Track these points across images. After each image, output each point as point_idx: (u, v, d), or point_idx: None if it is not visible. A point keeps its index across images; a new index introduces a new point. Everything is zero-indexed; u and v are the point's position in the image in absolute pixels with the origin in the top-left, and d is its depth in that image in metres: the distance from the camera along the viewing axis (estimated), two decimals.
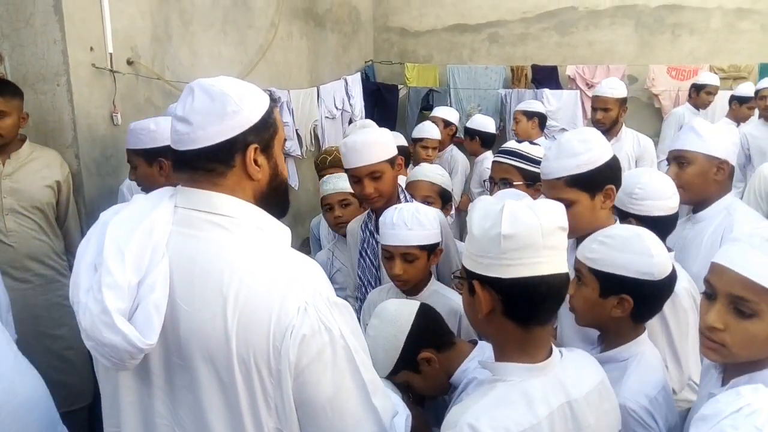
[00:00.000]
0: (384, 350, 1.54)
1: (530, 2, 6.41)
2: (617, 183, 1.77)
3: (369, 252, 2.26)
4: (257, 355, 1.04)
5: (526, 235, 1.10)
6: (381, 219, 1.98)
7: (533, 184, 2.32)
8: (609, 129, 3.71)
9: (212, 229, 1.10)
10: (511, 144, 2.45)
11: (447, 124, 4.63)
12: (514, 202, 1.16)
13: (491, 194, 2.45)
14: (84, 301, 1.01)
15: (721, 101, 5.27)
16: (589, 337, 1.72)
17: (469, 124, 4.57)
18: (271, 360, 1.04)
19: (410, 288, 1.97)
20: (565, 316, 1.83)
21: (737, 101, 4.88)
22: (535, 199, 2.37)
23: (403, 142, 3.76)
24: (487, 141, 4.46)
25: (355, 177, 2.15)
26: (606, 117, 3.71)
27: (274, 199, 1.22)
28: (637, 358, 1.45)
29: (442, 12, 6.71)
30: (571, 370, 1.21)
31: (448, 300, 1.92)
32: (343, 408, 1.09)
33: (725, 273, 1.16)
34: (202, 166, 1.13)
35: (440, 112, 4.81)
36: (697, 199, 2.12)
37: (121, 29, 3.29)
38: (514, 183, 2.32)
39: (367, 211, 2.33)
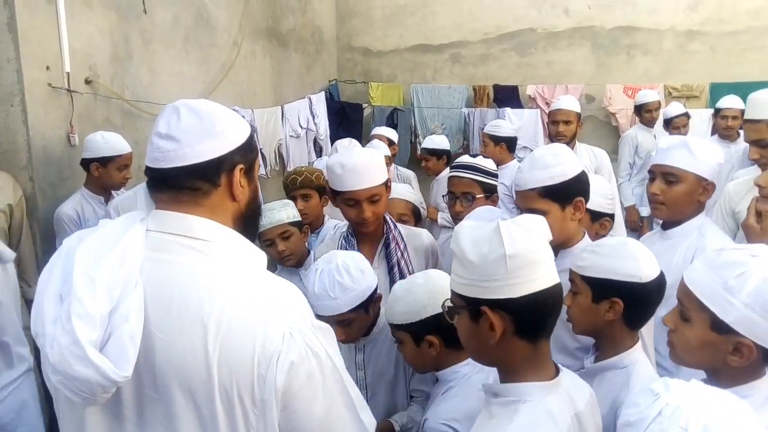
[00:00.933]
0: (406, 306, 1.60)
1: (491, 24, 6.54)
2: (586, 196, 1.83)
3: None
4: (240, 384, 1.00)
5: (527, 251, 1.13)
6: (304, 284, 1.84)
7: (491, 196, 2.44)
8: (568, 143, 3.78)
9: (187, 252, 1.07)
10: (466, 159, 2.52)
11: (391, 143, 4.66)
12: (504, 223, 1.17)
13: (452, 208, 2.47)
14: (51, 333, 0.94)
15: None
16: (570, 351, 1.75)
17: (431, 145, 4.57)
18: (255, 389, 1.00)
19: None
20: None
21: (665, 123, 5.07)
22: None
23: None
24: (450, 159, 4.53)
25: (352, 200, 2.01)
26: (568, 130, 3.81)
27: (251, 222, 1.21)
28: (637, 365, 1.49)
29: (405, 32, 6.79)
30: (571, 382, 1.25)
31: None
32: (334, 427, 1.09)
33: (682, 279, 1.27)
34: (187, 184, 1.09)
35: (384, 131, 4.83)
36: (676, 217, 2.07)
37: (79, 48, 3.22)
38: (477, 196, 2.39)
39: (341, 237, 2.17)
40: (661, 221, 2.18)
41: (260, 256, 1.16)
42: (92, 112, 3.37)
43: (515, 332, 1.15)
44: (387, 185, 2.08)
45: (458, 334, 1.25)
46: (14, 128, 2.92)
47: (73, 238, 1.09)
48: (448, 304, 1.25)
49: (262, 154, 5.20)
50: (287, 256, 2.54)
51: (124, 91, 3.61)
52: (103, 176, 3.16)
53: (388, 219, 2.15)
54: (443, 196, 2.67)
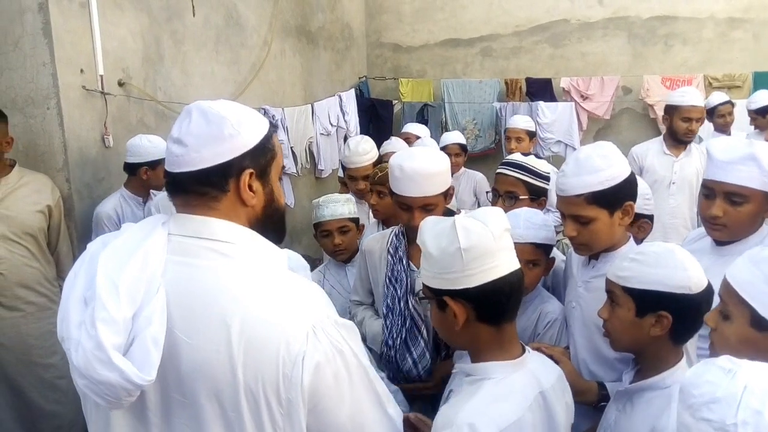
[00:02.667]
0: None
1: (522, 16, 6.43)
2: (635, 199, 1.70)
3: (396, 284, 2.01)
4: (266, 384, 1.00)
5: (482, 244, 1.22)
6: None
7: (537, 198, 2.28)
8: (689, 142, 3.59)
9: (212, 256, 1.06)
10: (516, 157, 2.37)
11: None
12: (460, 217, 1.28)
13: (493, 206, 2.39)
14: (76, 337, 0.96)
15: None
16: (608, 361, 1.65)
17: (461, 140, 4.46)
18: (281, 389, 1.00)
19: None
20: (580, 339, 1.76)
21: (708, 113, 4.80)
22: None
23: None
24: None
25: (405, 205, 1.94)
26: (697, 128, 3.58)
27: (270, 225, 1.18)
28: None
29: (435, 27, 6.73)
30: (538, 362, 1.34)
31: None
32: (364, 425, 1.10)
33: (724, 277, 1.22)
34: (195, 189, 1.09)
35: (414, 128, 4.67)
36: (737, 238, 1.80)
37: (111, 51, 3.26)
38: (520, 197, 2.24)
39: (393, 232, 2.11)
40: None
41: (280, 257, 1.14)
42: (126, 114, 3.42)
43: (477, 318, 1.26)
44: (448, 194, 1.99)
45: (432, 320, 1.37)
46: (51, 130, 2.98)
47: (97, 242, 1.09)
48: (420, 295, 1.34)
49: (293, 152, 5.22)
50: (341, 250, 2.57)
51: (157, 93, 3.65)
52: (152, 178, 3.16)
53: None
54: (487, 193, 2.59)
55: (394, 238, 2.09)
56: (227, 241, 1.08)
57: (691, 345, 1.57)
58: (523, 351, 1.32)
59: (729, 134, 4.59)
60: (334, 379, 1.03)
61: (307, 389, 1.00)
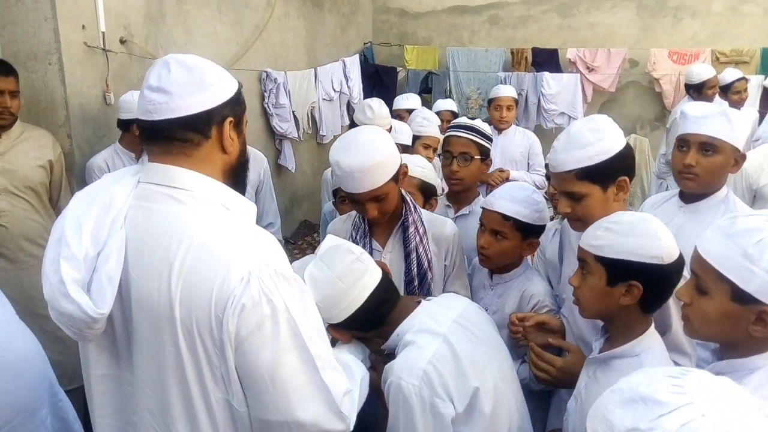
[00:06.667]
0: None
1: None
2: (631, 173, 1.67)
3: None
4: (200, 323, 1.06)
5: (345, 271, 1.45)
6: None
7: (486, 158, 2.41)
8: None
9: (166, 201, 1.13)
10: (464, 120, 2.47)
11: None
12: (312, 265, 1.47)
13: (447, 168, 2.38)
14: (46, 272, 1.05)
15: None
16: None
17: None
18: (213, 329, 1.06)
19: None
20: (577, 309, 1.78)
21: (722, 90, 4.78)
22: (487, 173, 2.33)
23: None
24: None
25: (354, 198, 1.80)
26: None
27: (241, 174, 1.25)
28: (650, 352, 1.39)
29: None
30: (441, 302, 1.54)
31: None
32: (287, 384, 1.09)
33: (695, 251, 1.21)
34: (178, 136, 1.14)
35: (405, 103, 4.49)
36: (705, 190, 1.94)
37: (113, 7, 3.24)
38: (474, 157, 2.35)
39: (357, 215, 1.96)
40: (668, 189, 2.07)
41: (247, 207, 1.20)
42: (127, 71, 3.42)
43: (364, 328, 1.51)
44: (396, 178, 1.79)
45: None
46: (52, 86, 2.99)
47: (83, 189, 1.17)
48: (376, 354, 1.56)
49: (294, 117, 5.21)
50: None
51: (158, 51, 3.64)
52: None
53: (408, 200, 1.93)
54: (439, 155, 2.61)
55: (358, 219, 1.96)
56: (186, 188, 1.13)
57: (676, 312, 1.59)
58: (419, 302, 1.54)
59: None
60: (257, 327, 1.05)
61: (233, 332, 1.05)
